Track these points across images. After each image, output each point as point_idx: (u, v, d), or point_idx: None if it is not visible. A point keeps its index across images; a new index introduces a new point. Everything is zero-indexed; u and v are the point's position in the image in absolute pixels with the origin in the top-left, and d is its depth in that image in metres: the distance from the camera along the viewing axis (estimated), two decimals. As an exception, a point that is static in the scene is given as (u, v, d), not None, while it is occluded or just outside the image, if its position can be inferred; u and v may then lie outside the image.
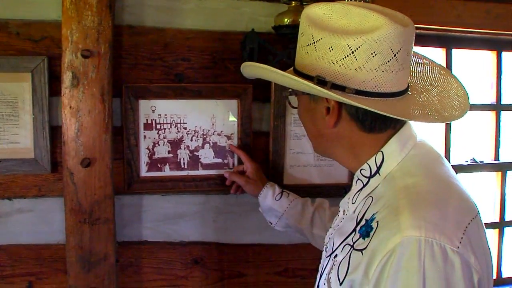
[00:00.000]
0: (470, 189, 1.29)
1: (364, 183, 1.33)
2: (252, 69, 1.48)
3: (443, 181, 1.24)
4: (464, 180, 2.71)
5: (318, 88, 1.21)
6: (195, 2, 2.11)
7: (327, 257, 1.40)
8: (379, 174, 1.29)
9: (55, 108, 2.00)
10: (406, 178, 1.22)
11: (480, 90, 2.87)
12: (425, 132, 2.63)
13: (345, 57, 1.20)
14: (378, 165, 1.29)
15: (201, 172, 2.16)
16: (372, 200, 1.27)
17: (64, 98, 1.87)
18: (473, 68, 2.87)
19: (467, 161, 2.82)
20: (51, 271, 2.09)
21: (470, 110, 1.37)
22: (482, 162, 2.82)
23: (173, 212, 2.19)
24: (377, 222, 1.17)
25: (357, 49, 1.18)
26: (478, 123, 2.91)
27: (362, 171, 1.34)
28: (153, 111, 2.08)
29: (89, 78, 1.88)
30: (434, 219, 1.08)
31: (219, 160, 2.18)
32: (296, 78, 1.26)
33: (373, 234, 1.16)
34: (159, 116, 2.09)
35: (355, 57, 1.19)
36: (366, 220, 1.23)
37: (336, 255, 1.32)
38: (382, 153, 1.29)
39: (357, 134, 1.31)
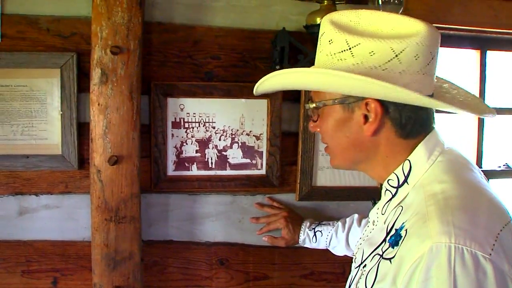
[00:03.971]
0: (502, 196, 1.24)
1: (393, 193, 1.29)
2: (286, 78, 1.35)
3: (472, 187, 1.20)
4: (496, 186, 2.65)
5: (385, 84, 1.12)
6: (226, 0, 2.09)
7: (356, 268, 1.38)
8: (407, 183, 1.26)
9: (83, 104, 2.00)
10: (434, 184, 1.19)
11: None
12: (457, 137, 2.58)
13: (389, 61, 1.16)
14: (406, 174, 1.26)
15: (228, 172, 2.14)
16: (402, 210, 1.24)
17: (92, 95, 1.87)
18: (509, 70, 2.79)
19: (499, 167, 2.74)
20: (76, 268, 2.09)
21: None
22: (516, 167, 2.74)
23: (199, 212, 2.17)
24: (406, 230, 1.14)
25: (401, 52, 1.16)
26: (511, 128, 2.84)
27: (389, 182, 1.31)
28: (182, 109, 2.06)
29: (118, 75, 1.86)
30: (464, 225, 1.05)
31: (248, 161, 2.15)
32: (359, 76, 1.14)
33: (402, 242, 1.14)
34: (188, 115, 2.07)
35: (399, 61, 1.16)
36: (396, 230, 1.20)
37: (365, 265, 1.29)
38: (410, 161, 1.26)
39: (393, 141, 1.27)
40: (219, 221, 2.19)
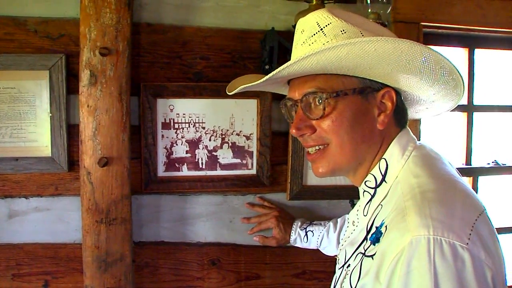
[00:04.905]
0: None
1: (372, 194, 1.32)
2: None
3: (447, 180, 1.23)
4: (486, 183, 2.66)
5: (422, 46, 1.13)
6: (215, 0, 2.09)
7: (339, 269, 1.40)
8: (385, 181, 1.29)
9: (73, 106, 1.99)
10: (410, 179, 1.22)
11: (503, 91, 2.81)
12: (446, 134, 2.58)
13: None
14: (383, 173, 1.29)
15: (219, 172, 2.14)
16: (381, 208, 1.27)
17: (81, 96, 1.86)
18: (497, 68, 2.80)
19: (488, 164, 2.76)
20: (67, 270, 2.08)
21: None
22: (505, 164, 2.75)
23: (190, 213, 2.17)
24: (386, 226, 1.18)
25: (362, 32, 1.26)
26: (500, 125, 2.85)
27: (366, 183, 1.33)
28: (171, 110, 2.06)
29: (107, 76, 1.86)
30: (441, 217, 1.08)
31: (238, 161, 2.15)
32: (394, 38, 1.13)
33: (382, 239, 1.16)
34: (177, 115, 2.07)
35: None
36: (376, 227, 1.23)
37: (349, 265, 1.32)
38: (385, 160, 1.30)
39: (394, 131, 1.33)
40: (210, 221, 2.19)
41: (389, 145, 1.31)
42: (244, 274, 2.26)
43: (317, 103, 1.28)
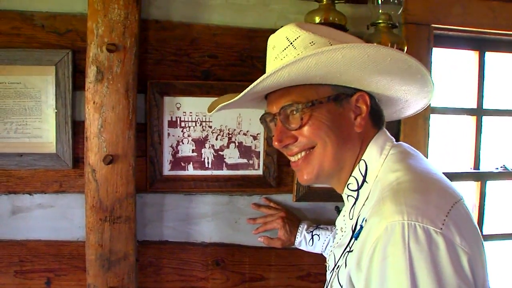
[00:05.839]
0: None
1: (355, 197, 1.37)
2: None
3: (424, 171, 1.29)
4: (494, 188, 2.64)
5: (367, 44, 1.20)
6: (224, -2, 2.07)
7: (330, 272, 1.45)
8: (366, 182, 1.34)
9: (79, 102, 1.97)
10: (388, 175, 1.28)
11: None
12: (455, 139, 2.56)
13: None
14: (363, 174, 1.35)
15: (225, 172, 2.12)
16: (364, 207, 1.32)
17: (88, 92, 1.84)
18: (507, 72, 2.77)
19: (497, 168, 2.72)
20: (70, 268, 2.06)
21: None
22: (514, 169, 2.72)
23: (195, 212, 2.15)
24: (365, 219, 1.24)
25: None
26: (510, 129, 2.82)
27: (349, 186, 1.39)
28: (178, 108, 2.04)
29: (113, 73, 1.84)
30: (415, 203, 1.12)
31: (244, 161, 2.13)
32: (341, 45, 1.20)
33: (363, 230, 1.22)
34: (184, 114, 2.05)
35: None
36: (360, 225, 1.28)
37: (338, 266, 1.35)
38: (364, 161, 1.36)
39: (372, 132, 1.40)
40: (215, 221, 2.17)
41: (367, 146, 1.38)
42: (249, 275, 2.24)
43: (294, 114, 1.35)
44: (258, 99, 1.51)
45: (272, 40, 1.41)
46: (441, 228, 1.08)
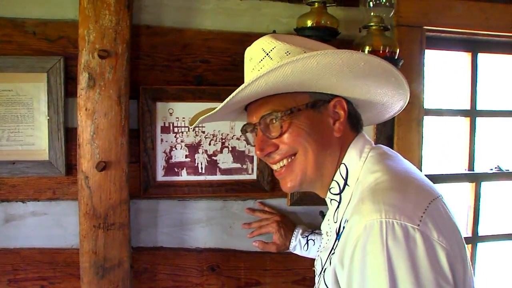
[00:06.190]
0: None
1: (338, 200, 1.39)
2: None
3: (402, 171, 1.32)
4: (488, 189, 2.64)
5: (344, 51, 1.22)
6: (215, 3, 2.07)
7: (318, 276, 1.48)
8: (348, 185, 1.36)
9: (71, 109, 1.97)
10: (368, 177, 1.30)
11: (506, 96, 2.79)
12: (449, 140, 2.56)
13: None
14: (344, 177, 1.37)
15: (219, 177, 2.11)
16: (347, 209, 1.34)
17: (80, 99, 1.84)
18: (500, 73, 2.78)
19: (491, 169, 2.73)
20: (64, 276, 2.05)
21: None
22: (508, 170, 2.72)
23: (190, 218, 2.14)
24: (347, 220, 1.25)
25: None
26: (503, 130, 2.82)
27: (331, 190, 1.41)
28: (171, 114, 2.03)
29: (105, 79, 1.84)
30: (393, 201, 1.15)
31: (238, 165, 2.12)
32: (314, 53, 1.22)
33: (344, 230, 1.24)
34: (177, 119, 2.04)
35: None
36: (343, 227, 1.29)
37: (325, 270, 1.36)
38: (345, 164, 1.38)
39: (351, 136, 1.42)
40: (209, 226, 2.17)
41: (347, 150, 1.40)
42: (244, 280, 2.23)
43: (274, 123, 1.38)
44: (239, 110, 1.53)
45: (249, 52, 1.43)
46: (419, 225, 1.10)
